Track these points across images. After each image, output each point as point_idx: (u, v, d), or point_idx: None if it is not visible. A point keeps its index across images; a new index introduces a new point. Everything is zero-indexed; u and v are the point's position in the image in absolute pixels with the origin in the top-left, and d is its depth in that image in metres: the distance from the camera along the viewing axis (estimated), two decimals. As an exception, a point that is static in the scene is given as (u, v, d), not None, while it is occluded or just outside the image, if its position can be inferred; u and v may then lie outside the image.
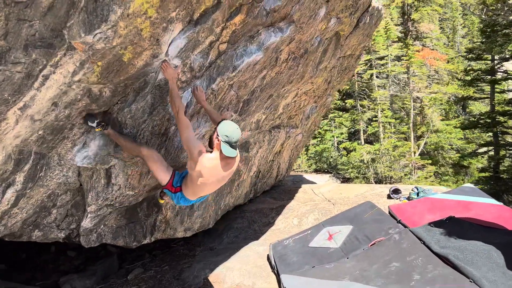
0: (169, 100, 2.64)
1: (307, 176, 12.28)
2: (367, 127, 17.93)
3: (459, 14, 27.02)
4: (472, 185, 5.45)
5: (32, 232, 3.01)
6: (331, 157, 17.89)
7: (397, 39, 18.48)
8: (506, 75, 15.06)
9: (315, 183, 9.65)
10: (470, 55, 16.58)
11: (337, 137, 19.26)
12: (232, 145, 2.40)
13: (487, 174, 14.35)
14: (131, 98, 2.55)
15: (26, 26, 1.69)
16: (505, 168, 13.98)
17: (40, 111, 2.10)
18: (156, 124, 2.82)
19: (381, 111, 16.82)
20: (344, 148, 17.82)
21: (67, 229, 3.25)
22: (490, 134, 15.29)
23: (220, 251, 5.14)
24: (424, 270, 3.40)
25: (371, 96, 17.41)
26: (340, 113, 19.36)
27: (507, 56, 14.72)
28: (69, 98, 2.18)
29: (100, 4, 1.78)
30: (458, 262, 3.29)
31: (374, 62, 17.16)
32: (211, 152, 2.50)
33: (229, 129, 2.40)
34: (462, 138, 18.05)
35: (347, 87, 18.24)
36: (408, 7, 18.52)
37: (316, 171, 17.78)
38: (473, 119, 16.91)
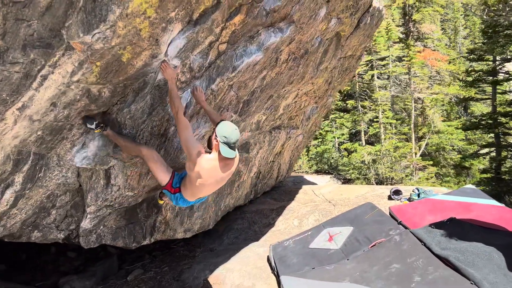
0: (168, 101, 2.63)
1: (308, 177, 12.25)
2: (368, 128, 17.93)
3: (461, 15, 27.03)
4: (473, 186, 5.43)
5: (31, 232, 3.00)
6: (332, 158, 17.88)
7: (398, 40, 18.45)
8: (507, 76, 15.05)
9: (316, 184, 9.63)
10: (471, 56, 16.59)
11: (338, 138, 19.26)
12: (230, 146, 2.39)
13: (488, 175, 14.32)
14: (131, 99, 2.54)
15: (24, 26, 1.69)
16: (506, 169, 13.96)
17: (39, 111, 2.09)
18: (155, 124, 2.81)
19: (382, 112, 16.81)
20: (345, 149, 17.83)
21: (67, 230, 3.24)
22: (492, 135, 15.27)
23: (220, 252, 5.12)
24: (424, 272, 3.38)
25: (372, 97, 17.42)
26: (341, 114, 19.37)
27: (509, 57, 14.72)
28: (68, 99, 2.17)
29: (99, 4, 1.77)
30: (459, 263, 3.27)
31: (375, 62, 17.16)
32: (210, 153, 2.49)
33: (227, 130, 2.39)
34: (463, 139, 18.00)
35: (348, 88, 18.25)
36: (409, 8, 18.48)
37: (317, 172, 17.75)
38: (474, 120, 16.89)
